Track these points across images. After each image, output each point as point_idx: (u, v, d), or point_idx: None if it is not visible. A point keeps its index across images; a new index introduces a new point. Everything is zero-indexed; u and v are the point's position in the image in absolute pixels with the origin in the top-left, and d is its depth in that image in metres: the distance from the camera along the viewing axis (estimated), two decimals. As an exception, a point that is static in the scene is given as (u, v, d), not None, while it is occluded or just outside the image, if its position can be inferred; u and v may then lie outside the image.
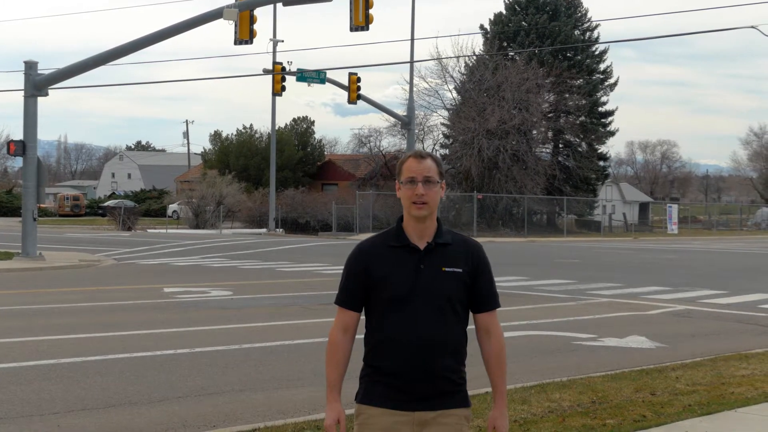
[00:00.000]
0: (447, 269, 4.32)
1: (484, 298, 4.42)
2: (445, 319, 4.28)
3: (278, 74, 48.31)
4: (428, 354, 4.24)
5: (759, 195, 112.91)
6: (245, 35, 30.52)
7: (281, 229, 59.44)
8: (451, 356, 4.31)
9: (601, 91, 74.22)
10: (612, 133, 75.12)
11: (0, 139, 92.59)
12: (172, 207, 75.49)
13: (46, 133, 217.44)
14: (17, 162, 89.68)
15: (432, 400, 4.27)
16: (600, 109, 73.88)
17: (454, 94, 70.13)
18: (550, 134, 71.53)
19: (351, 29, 30.84)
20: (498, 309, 4.47)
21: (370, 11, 30.63)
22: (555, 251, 42.54)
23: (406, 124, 54.68)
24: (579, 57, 72.60)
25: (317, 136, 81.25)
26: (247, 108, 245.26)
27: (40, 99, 31.10)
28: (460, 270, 4.33)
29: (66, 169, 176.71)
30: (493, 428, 4.39)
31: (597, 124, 73.15)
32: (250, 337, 14.26)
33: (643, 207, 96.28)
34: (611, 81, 74.75)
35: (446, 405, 4.30)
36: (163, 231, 59.32)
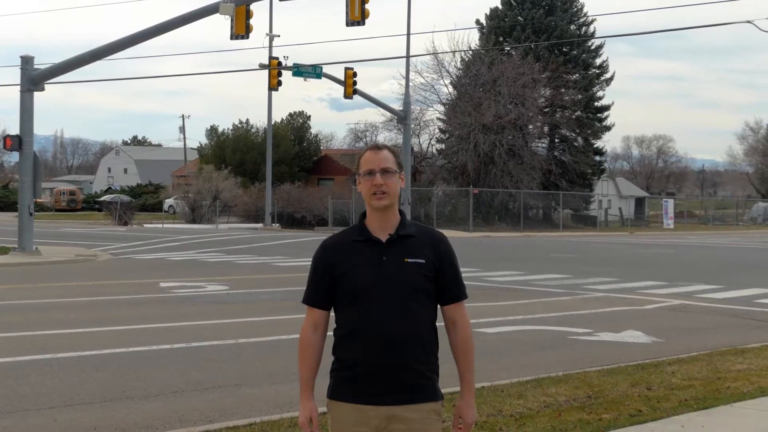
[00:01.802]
0: (410, 260, 4.31)
1: (449, 289, 4.41)
2: (410, 310, 4.27)
3: (274, 69, 48.23)
4: (393, 346, 4.24)
5: (755, 190, 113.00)
6: (241, 30, 30.53)
7: (277, 224, 59.42)
8: (419, 347, 4.29)
9: (597, 86, 74.30)
10: (608, 128, 75.22)
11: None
12: (169, 202, 75.42)
13: (43, 128, 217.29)
14: (13, 157, 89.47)
15: (399, 394, 4.26)
16: (596, 103, 73.96)
17: (450, 88, 70.19)
18: (546, 129, 71.61)
19: (347, 24, 30.84)
20: (465, 300, 4.46)
21: (366, 6, 30.64)
22: (551, 246, 42.58)
23: (402, 118, 54.65)
24: (575, 52, 72.66)
25: (313, 130, 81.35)
26: (243, 103, 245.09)
27: (36, 94, 31.07)
28: (423, 261, 4.33)
29: (62, 164, 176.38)
30: (460, 417, 4.38)
31: (593, 118, 73.24)
32: (246, 332, 14.27)
33: (639, 202, 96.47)
34: (607, 76, 74.88)
35: (414, 399, 4.29)
36: (160, 226, 59.31)
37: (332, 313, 4.47)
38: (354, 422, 4.29)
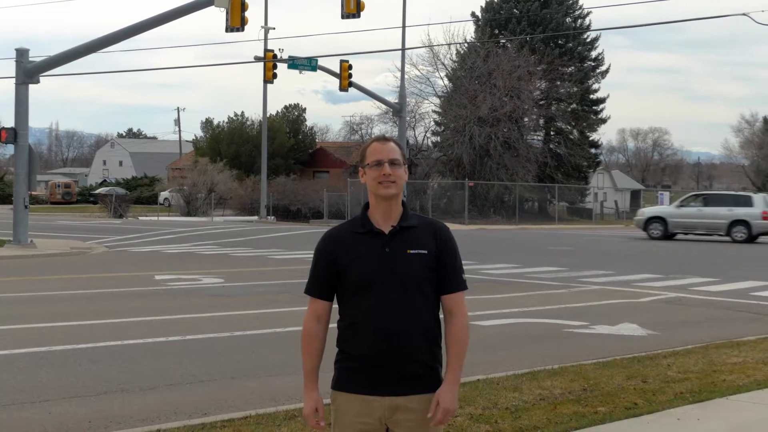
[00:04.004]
0: (412, 251, 4.32)
1: (449, 280, 4.40)
2: (413, 301, 4.28)
3: (270, 62, 48.21)
4: (396, 337, 4.25)
5: (750, 182, 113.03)
6: (236, 22, 30.47)
7: (272, 217, 59.38)
8: (421, 338, 4.30)
9: (593, 79, 74.28)
10: (603, 121, 75.21)
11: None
12: (164, 194, 75.42)
13: (38, 121, 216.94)
14: (8, 149, 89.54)
15: (402, 385, 4.27)
16: (591, 96, 73.95)
17: (446, 81, 70.14)
18: (541, 122, 71.60)
19: (342, 16, 30.85)
20: (464, 291, 4.45)
21: (362, -2, 30.60)
22: (546, 239, 42.59)
23: (398, 111, 54.60)
24: (570, 44, 72.64)
25: (309, 123, 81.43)
26: (238, 95, 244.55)
27: (31, 86, 31.00)
28: (425, 251, 4.33)
29: (57, 157, 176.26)
30: (437, 403, 4.31)
31: (588, 111, 73.24)
32: (241, 324, 14.26)
33: (635, 194, 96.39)
34: (603, 68, 74.85)
35: (417, 390, 4.30)
36: (155, 218, 59.27)
37: (335, 305, 4.47)
38: (357, 413, 4.31)
